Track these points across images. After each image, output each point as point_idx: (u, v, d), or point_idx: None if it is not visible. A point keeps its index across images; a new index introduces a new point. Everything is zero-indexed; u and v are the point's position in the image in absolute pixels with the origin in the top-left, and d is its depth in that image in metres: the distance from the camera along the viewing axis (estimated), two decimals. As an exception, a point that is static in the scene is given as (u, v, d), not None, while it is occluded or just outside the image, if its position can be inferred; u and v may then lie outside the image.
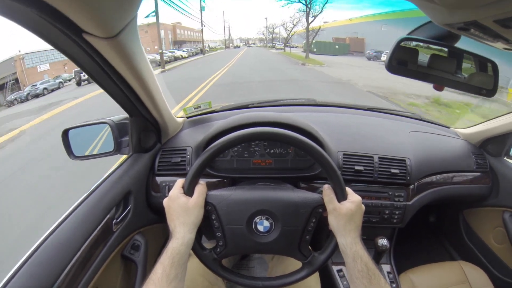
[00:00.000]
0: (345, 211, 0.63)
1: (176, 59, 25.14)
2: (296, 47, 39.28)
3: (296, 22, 33.28)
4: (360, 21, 33.61)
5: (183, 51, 31.87)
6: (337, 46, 30.54)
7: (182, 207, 0.63)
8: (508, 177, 1.24)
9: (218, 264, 0.70)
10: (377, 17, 30.38)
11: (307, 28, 25.65)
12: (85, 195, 0.85)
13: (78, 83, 15.54)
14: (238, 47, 71.14)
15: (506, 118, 1.16)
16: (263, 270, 1.43)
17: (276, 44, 52.54)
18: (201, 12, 37.45)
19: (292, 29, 35.82)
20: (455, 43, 0.72)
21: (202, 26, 38.84)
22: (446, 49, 0.76)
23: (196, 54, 34.98)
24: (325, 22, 25.82)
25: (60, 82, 16.78)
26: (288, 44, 40.29)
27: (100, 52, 0.62)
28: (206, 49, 44.67)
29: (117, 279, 0.90)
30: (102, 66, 0.67)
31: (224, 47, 63.47)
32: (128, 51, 0.64)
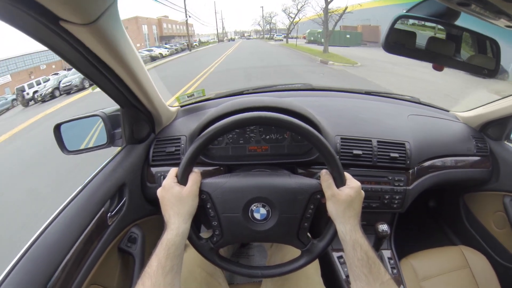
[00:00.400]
0: (344, 197, 0.61)
1: (154, 59, 21.21)
2: (296, 38, 33.46)
3: (301, 7, 27.90)
4: (372, 6, 27.58)
5: (165, 48, 26.93)
6: (348, 36, 25.75)
7: (176, 197, 0.62)
8: (508, 161, 1.22)
9: (215, 253, 0.68)
10: (391, 1, 23.74)
11: (325, 10, 17.95)
12: (77, 189, 0.83)
13: (24, 104, 12.46)
14: (233, 40, 69.17)
15: (507, 101, 1.14)
16: (263, 258, 1.43)
17: (275, 35, 48.33)
18: (184, 1, 31.73)
19: (296, 15, 29.90)
20: (454, 21, 0.70)
21: (186, 17, 33.08)
22: (444, 33, 0.74)
23: (183, 50, 30.26)
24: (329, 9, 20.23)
25: (14, 99, 13.28)
26: (290, 34, 34.23)
27: (81, 40, 0.59)
28: (195, 44, 40.04)
29: (114, 272, 0.89)
30: (85, 55, 0.64)
31: (217, 40, 60.05)
32: (110, 38, 0.61)
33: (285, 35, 36.64)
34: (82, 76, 11.19)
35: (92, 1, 0.51)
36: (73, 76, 12.52)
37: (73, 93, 11.87)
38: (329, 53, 15.93)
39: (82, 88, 12.15)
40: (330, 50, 16.89)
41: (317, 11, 21.04)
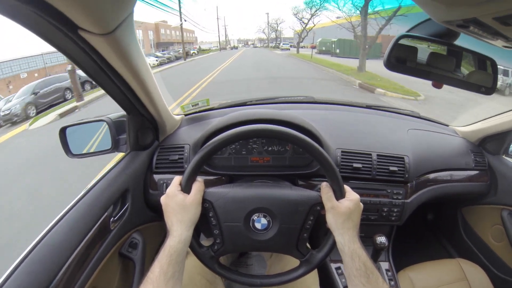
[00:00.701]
0: (343, 210, 0.63)
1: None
2: (311, 48, 27.27)
3: (316, 10, 22.71)
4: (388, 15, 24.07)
5: (155, 57, 22.85)
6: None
7: (179, 205, 0.63)
8: (506, 175, 1.24)
9: (216, 262, 0.69)
10: (413, 10, 21.23)
11: (363, 10, 12.12)
12: (82, 193, 0.84)
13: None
14: (236, 48, 67.38)
15: (505, 116, 1.16)
16: (262, 267, 1.43)
17: (281, 44, 44.11)
18: (179, 2, 26.89)
19: (310, 20, 24.69)
20: (454, 41, 0.72)
21: (181, 20, 27.93)
22: (445, 47, 0.76)
23: (177, 59, 25.91)
24: (337, 17, 16.33)
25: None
26: (301, 43, 28.37)
27: (96, 49, 0.61)
28: (193, 52, 36.86)
29: (115, 277, 0.89)
30: (98, 63, 0.66)
31: (219, 48, 56.19)
32: (124, 48, 0.64)
33: (293, 43, 31.79)
34: (25, 102, 8.97)
35: (111, 13, 0.53)
36: (14, 102, 9.34)
37: (19, 122, 8.63)
38: (367, 72, 11.08)
39: (26, 118, 9.02)
40: (344, 62, 12.84)
41: (346, 13, 15.28)
